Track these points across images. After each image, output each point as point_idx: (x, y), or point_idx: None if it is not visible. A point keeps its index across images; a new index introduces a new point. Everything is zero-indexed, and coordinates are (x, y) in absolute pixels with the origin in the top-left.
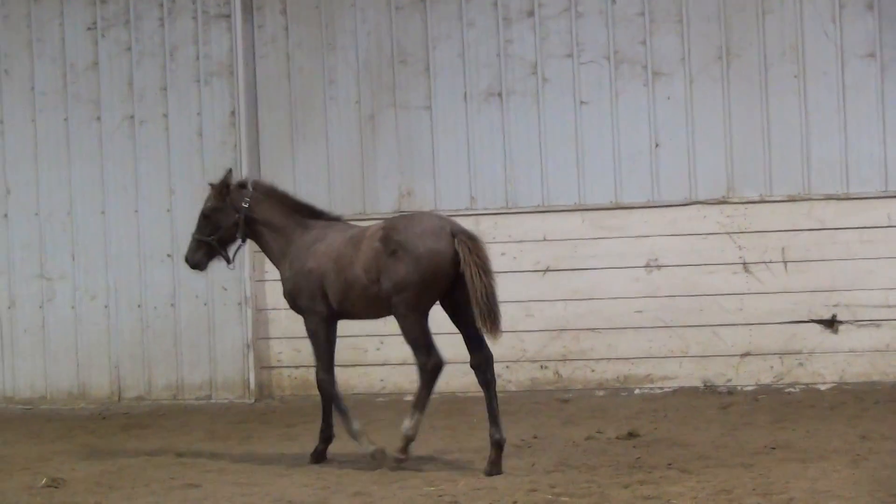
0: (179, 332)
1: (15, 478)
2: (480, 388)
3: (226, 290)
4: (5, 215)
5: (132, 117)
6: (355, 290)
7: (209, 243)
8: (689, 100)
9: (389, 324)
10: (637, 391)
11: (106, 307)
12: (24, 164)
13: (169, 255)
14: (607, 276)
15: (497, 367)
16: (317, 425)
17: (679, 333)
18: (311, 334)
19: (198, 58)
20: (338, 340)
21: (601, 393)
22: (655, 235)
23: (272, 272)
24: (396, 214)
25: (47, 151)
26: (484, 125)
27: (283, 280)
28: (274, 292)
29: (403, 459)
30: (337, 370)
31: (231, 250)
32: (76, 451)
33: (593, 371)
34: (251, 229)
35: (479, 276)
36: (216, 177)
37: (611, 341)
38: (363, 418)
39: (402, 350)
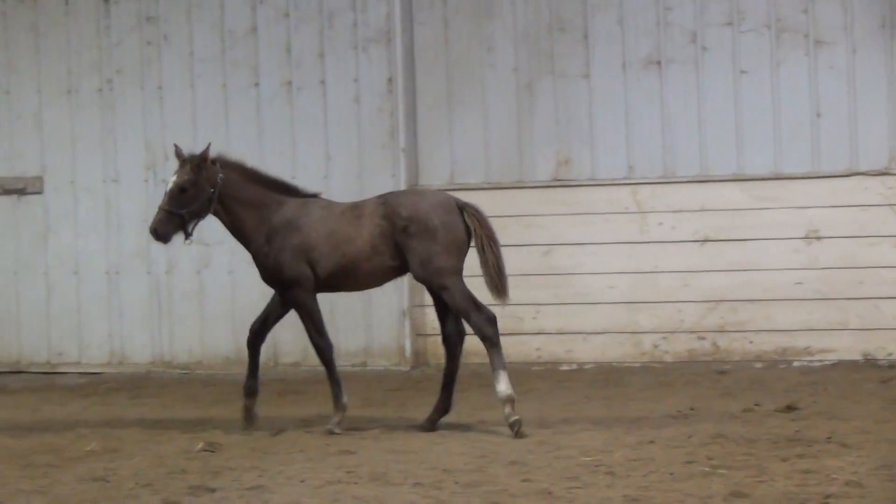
0: (336, 298)
1: (173, 442)
2: (449, 358)
3: None
4: (164, 180)
5: (289, 83)
6: (356, 265)
7: (181, 216)
8: (851, 70)
9: (545, 292)
10: (795, 364)
11: None
12: (182, 131)
13: None
14: (766, 247)
15: (653, 338)
16: (472, 394)
17: (839, 306)
18: (299, 306)
19: (355, 24)
20: (494, 309)
21: (759, 365)
22: (815, 207)
23: None
24: (387, 192)
25: (205, 118)
26: (642, 94)
27: (260, 255)
28: None
29: (518, 422)
30: None
31: (193, 225)
32: (232, 417)
33: (751, 343)
34: (222, 205)
35: (491, 247)
36: (197, 148)
37: (769, 313)
38: (519, 388)
39: (557, 319)
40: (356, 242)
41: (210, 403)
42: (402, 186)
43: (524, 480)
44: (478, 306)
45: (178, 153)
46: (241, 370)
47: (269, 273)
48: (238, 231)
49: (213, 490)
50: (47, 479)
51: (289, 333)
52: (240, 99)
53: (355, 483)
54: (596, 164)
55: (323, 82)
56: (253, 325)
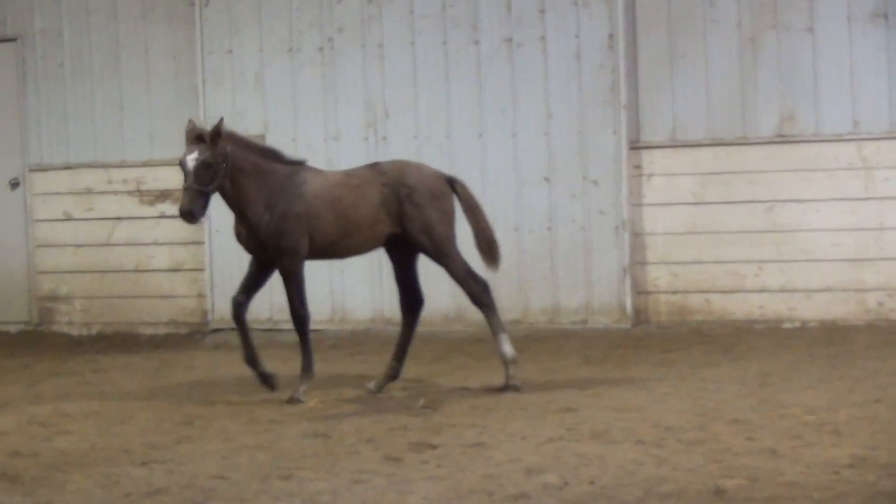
0: (556, 255)
1: (394, 398)
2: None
3: (603, 214)
4: (384, 138)
5: (510, 40)
6: (358, 232)
7: (207, 194)
8: None
9: (767, 249)
10: None
11: None
12: (403, 88)
13: (546, 179)
14: None
15: (879, 295)
16: (694, 351)
17: None
18: (290, 273)
19: None
20: (716, 266)
21: None
22: None
23: (650, 196)
24: (373, 162)
25: (425, 75)
26: (868, 48)
27: (261, 224)
28: (652, 217)
29: (517, 385)
30: (716, 296)
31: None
32: (454, 374)
33: None
34: (229, 178)
35: (481, 215)
36: (230, 122)
37: None
38: (741, 346)
39: (780, 276)
40: (361, 210)
41: (430, 361)
42: (624, 143)
43: (747, 439)
44: (473, 275)
45: (192, 128)
46: (462, 328)
47: (267, 240)
48: (239, 201)
49: (434, 447)
50: (270, 434)
51: (507, 291)
52: (460, 56)
53: (576, 440)
54: (820, 119)
55: (543, 38)
56: (237, 299)
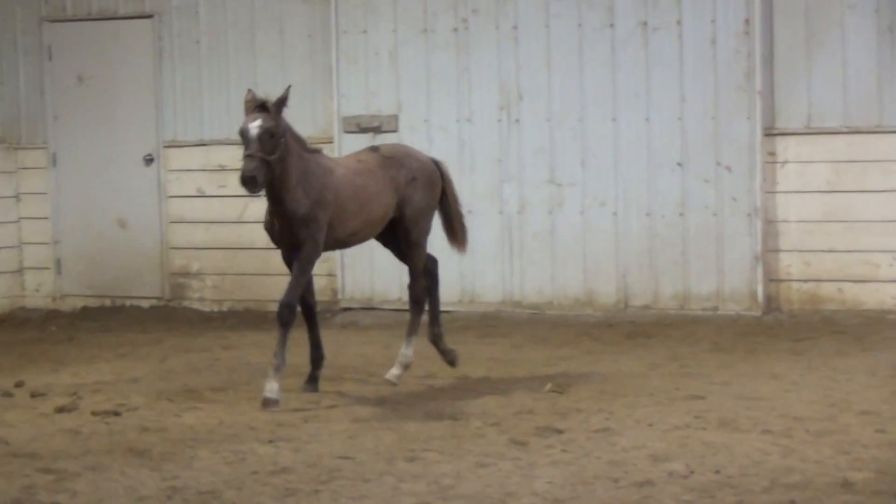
0: (687, 241)
1: (522, 382)
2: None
3: (735, 200)
4: (517, 120)
5: (645, 24)
6: (375, 219)
7: (269, 163)
8: None
9: None
10: None
11: (614, 214)
12: (536, 70)
13: (679, 164)
14: None
15: None
16: (825, 341)
17: None
18: (308, 262)
19: None
20: (850, 255)
21: None
22: None
23: (783, 183)
24: (369, 146)
25: (559, 58)
26: None
27: (300, 210)
28: (785, 204)
29: (394, 383)
30: (848, 285)
31: None
32: (581, 358)
33: None
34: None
35: (457, 200)
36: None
37: None
38: (874, 336)
39: None
40: (380, 198)
41: (559, 344)
42: (759, 129)
43: (877, 431)
44: (426, 271)
45: (253, 98)
46: (592, 311)
47: (299, 228)
48: (282, 184)
49: (560, 431)
50: (396, 415)
51: (637, 276)
52: (594, 39)
53: (703, 428)
54: None
55: (679, 23)
56: (303, 300)
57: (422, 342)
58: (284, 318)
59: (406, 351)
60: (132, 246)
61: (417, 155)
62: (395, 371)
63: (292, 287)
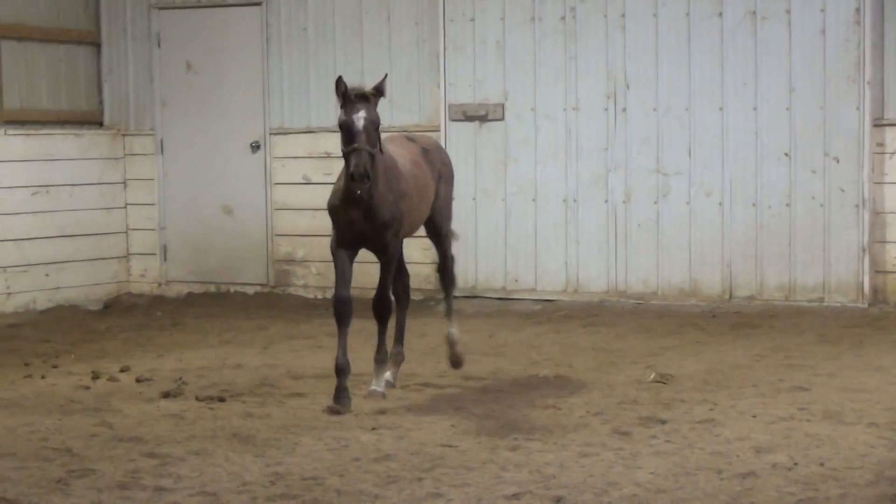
0: (794, 232)
1: (625, 371)
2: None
3: (843, 191)
4: (624, 109)
5: (754, 13)
6: (426, 213)
7: (374, 157)
8: None
9: None
10: None
11: (720, 204)
12: (644, 59)
13: (786, 154)
14: None
15: None
16: None
17: None
18: (394, 258)
19: None
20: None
21: None
22: None
23: (892, 174)
24: (401, 135)
25: (667, 47)
26: None
27: (386, 203)
28: (893, 195)
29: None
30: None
31: None
32: (685, 348)
33: None
34: None
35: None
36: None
37: None
38: None
39: None
40: (429, 191)
41: (663, 335)
42: (868, 120)
43: None
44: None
45: (349, 86)
46: (696, 302)
47: (384, 226)
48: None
49: (663, 422)
50: (499, 403)
51: (743, 266)
52: (702, 28)
53: (808, 420)
54: None
55: (788, 12)
56: (344, 296)
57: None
58: (382, 313)
59: (452, 330)
60: (237, 232)
61: (442, 149)
62: (457, 341)
63: (388, 284)
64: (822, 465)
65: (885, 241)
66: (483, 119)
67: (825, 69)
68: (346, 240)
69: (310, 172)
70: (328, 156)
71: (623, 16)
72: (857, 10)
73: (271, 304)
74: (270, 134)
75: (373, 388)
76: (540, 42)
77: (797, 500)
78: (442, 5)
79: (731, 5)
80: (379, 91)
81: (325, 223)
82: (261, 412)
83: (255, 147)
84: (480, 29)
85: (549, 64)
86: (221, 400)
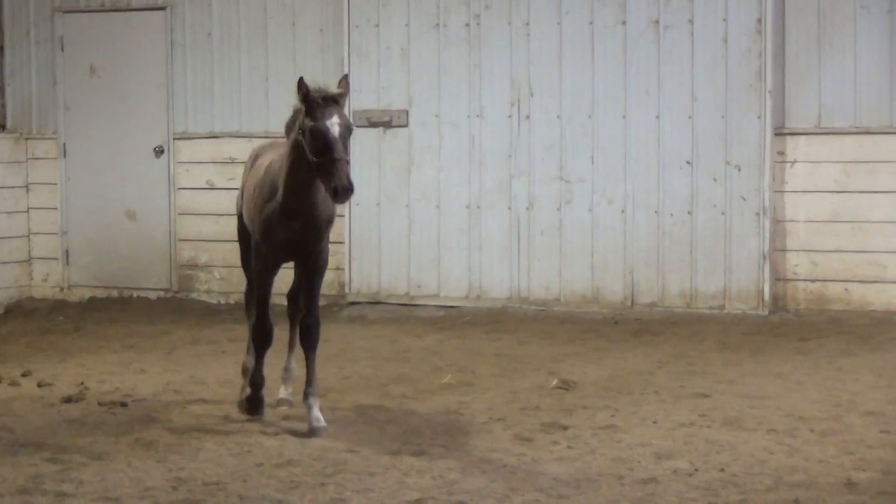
0: (695, 240)
1: (527, 378)
2: None
3: (744, 199)
4: (527, 117)
5: (657, 22)
6: None
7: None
8: None
9: None
10: None
11: (623, 212)
12: (548, 67)
13: (688, 162)
14: None
15: None
16: (831, 341)
17: None
18: (326, 266)
19: None
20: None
21: None
22: None
23: (792, 182)
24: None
25: (571, 54)
26: None
27: (328, 208)
28: (794, 204)
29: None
30: (855, 286)
31: None
32: (587, 355)
33: None
34: None
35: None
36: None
37: None
38: (880, 336)
39: None
40: None
41: (565, 341)
42: (769, 129)
43: (882, 431)
44: None
45: (317, 89)
46: (599, 308)
47: (323, 232)
48: (316, 186)
49: (565, 427)
50: (402, 409)
51: (644, 274)
52: (606, 36)
53: (708, 427)
54: None
55: (691, 21)
56: (270, 323)
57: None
58: (314, 339)
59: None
60: (140, 237)
61: None
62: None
63: (318, 300)
64: (722, 470)
65: (785, 250)
66: (387, 125)
67: (727, 78)
68: (277, 256)
69: (213, 177)
70: (232, 161)
71: (527, 24)
72: (759, 19)
73: (174, 309)
74: (174, 139)
75: (281, 396)
76: (444, 49)
77: None
78: (347, 12)
79: (635, 14)
80: (345, 92)
81: (227, 229)
82: (163, 417)
83: (159, 152)
84: (385, 35)
85: (453, 71)
86: (124, 405)
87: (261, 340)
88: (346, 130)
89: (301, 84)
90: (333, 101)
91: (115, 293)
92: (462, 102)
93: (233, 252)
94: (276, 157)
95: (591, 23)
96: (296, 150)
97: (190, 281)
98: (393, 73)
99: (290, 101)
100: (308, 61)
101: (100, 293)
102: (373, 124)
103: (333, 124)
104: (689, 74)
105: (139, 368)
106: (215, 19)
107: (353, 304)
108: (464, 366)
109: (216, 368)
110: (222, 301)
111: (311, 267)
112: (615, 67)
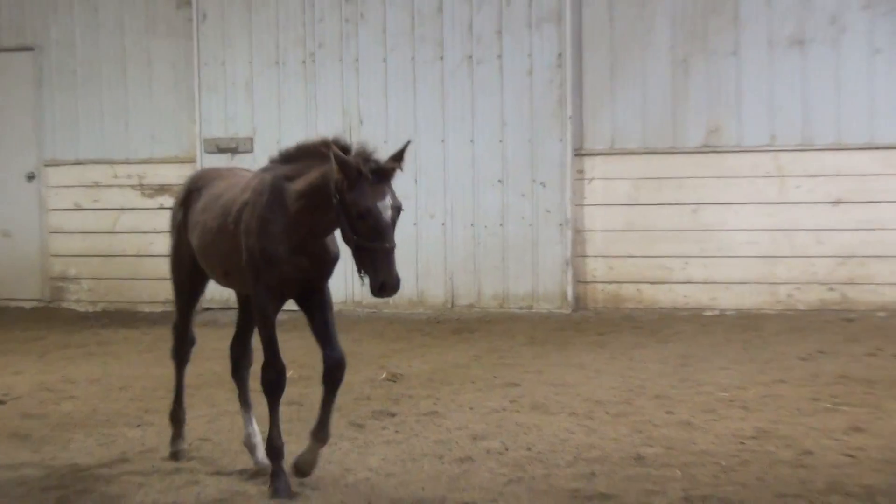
0: (506, 248)
1: (361, 372)
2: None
3: (549, 212)
4: (358, 142)
5: (470, 57)
6: None
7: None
8: None
9: (693, 246)
10: None
11: (443, 225)
12: (375, 98)
13: (500, 181)
14: (894, 210)
15: (788, 288)
16: (625, 334)
17: None
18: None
19: (530, 5)
20: (647, 260)
21: (883, 314)
22: None
23: (590, 197)
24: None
25: (395, 87)
26: (785, 70)
27: (331, 238)
28: (592, 216)
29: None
30: (646, 286)
31: None
32: (413, 350)
33: (877, 294)
34: None
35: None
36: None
37: (894, 268)
38: (667, 330)
39: (703, 270)
40: None
41: (394, 339)
42: (570, 150)
43: (667, 412)
44: None
45: (348, 159)
46: (423, 310)
47: (332, 260)
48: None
49: (393, 415)
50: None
51: (463, 279)
52: (426, 70)
53: (518, 411)
54: (742, 132)
55: (500, 57)
56: (282, 366)
57: None
58: (343, 377)
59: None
60: (15, 253)
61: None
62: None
63: (336, 335)
64: (529, 449)
65: (585, 256)
66: (234, 151)
67: (532, 106)
68: (277, 294)
69: (80, 199)
70: (96, 185)
71: (357, 60)
72: (560, 54)
73: (47, 317)
74: (44, 165)
75: (260, 459)
76: (283, 83)
77: (507, 481)
78: (196, 51)
79: (451, 50)
80: (399, 162)
81: (95, 245)
82: (38, 412)
83: (31, 177)
84: (231, 71)
85: (292, 102)
86: (1, 402)
87: (274, 386)
88: (397, 213)
89: (337, 158)
90: (384, 174)
91: None
92: (300, 130)
93: (99, 265)
94: (253, 196)
95: (412, 59)
96: (317, 196)
97: (61, 292)
98: (238, 105)
99: (148, 131)
100: (162, 95)
101: None
102: (221, 150)
103: (386, 207)
104: (500, 103)
105: (15, 370)
106: (78, 59)
107: (206, 309)
108: (304, 363)
109: (86, 368)
110: (90, 309)
111: (320, 300)
112: (434, 98)
